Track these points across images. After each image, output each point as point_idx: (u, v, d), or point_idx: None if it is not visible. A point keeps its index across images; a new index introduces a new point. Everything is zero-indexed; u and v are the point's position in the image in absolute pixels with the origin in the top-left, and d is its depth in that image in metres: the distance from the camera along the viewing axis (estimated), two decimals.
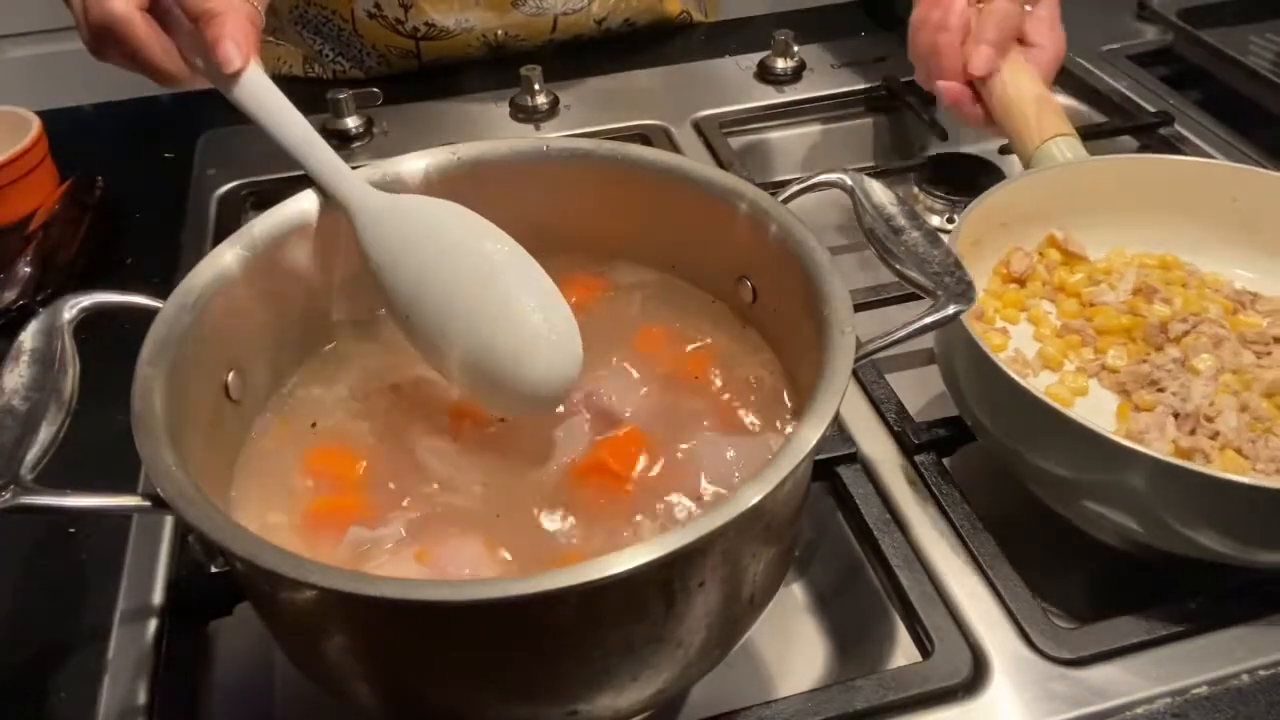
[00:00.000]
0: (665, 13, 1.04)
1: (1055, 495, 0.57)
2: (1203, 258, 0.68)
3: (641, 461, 0.50)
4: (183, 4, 0.55)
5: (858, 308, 0.48)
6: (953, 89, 0.77)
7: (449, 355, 0.50)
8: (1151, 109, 0.90)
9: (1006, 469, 0.59)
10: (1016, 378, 0.53)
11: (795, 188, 0.54)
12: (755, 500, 0.38)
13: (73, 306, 0.47)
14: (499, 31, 0.96)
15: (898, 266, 0.50)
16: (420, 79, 0.99)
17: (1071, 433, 0.51)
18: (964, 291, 0.47)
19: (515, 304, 0.49)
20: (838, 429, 0.62)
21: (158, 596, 0.55)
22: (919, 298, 0.49)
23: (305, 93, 0.94)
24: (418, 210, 0.52)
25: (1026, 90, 0.73)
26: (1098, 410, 0.60)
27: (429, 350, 0.51)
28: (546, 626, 0.40)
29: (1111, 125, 0.90)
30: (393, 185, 0.55)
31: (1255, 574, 0.55)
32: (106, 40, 0.56)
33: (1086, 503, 0.54)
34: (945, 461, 0.61)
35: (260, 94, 0.53)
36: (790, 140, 0.94)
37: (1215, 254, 0.68)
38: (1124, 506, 0.52)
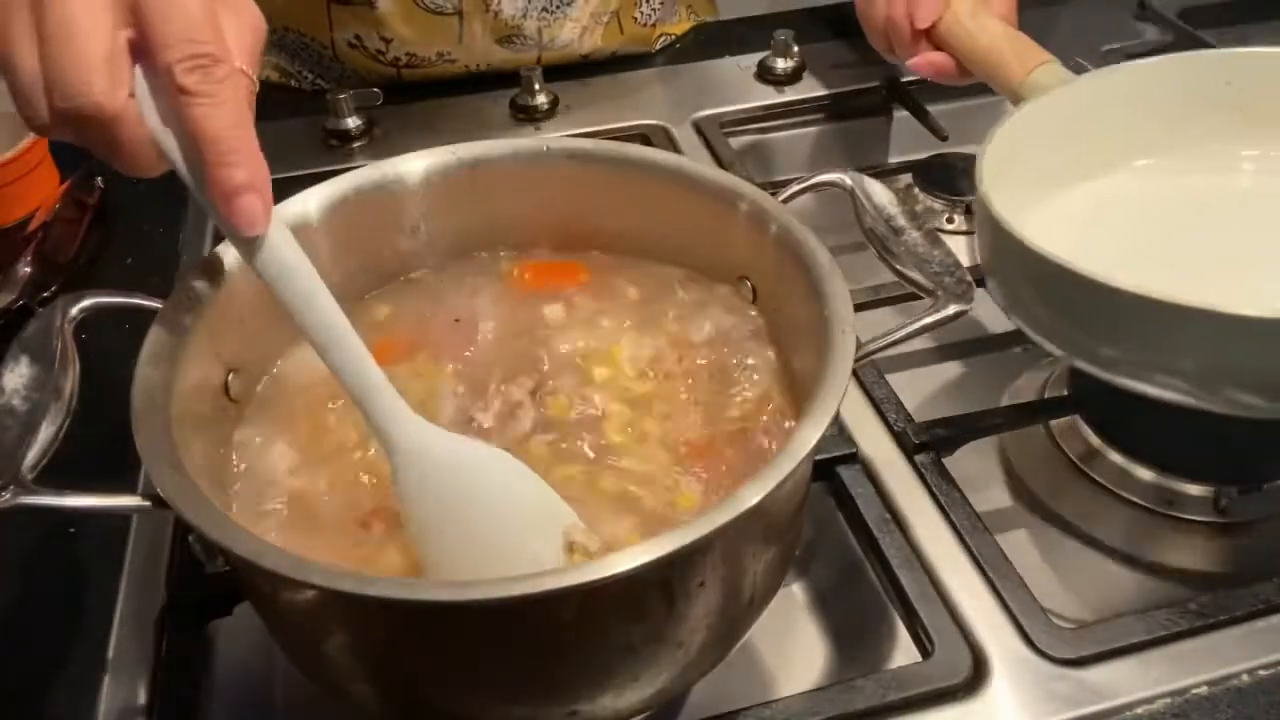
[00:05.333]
0: (649, 46, 1.03)
1: (1115, 369, 0.54)
2: (1210, 145, 0.68)
3: None
4: (174, 80, 0.40)
5: (858, 308, 0.48)
6: (925, 62, 0.78)
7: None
8: None
9: (1070, 354, 0.57)
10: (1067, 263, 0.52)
11: (795, 188, 0.54)
12: (755, 500, 0.38)
13: (73, 306, 0.47)
14: (481, 64, 0.96)
15: (898, 266, 0.50)
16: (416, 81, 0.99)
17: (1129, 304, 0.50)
18: (964, 292, 0.48)
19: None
20: (838, 429, 0.62)
21: (158, 596, 0.55)
22: (919, 298, 0.50)
23: (290, 100, 0.95)
24: (466, 468, 0.46)
25: (995, 31, 0.73)
26: None
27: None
28: (546, 626, 0.40)
29: None
30: (393, 185, 0.55)
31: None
32: (77, 130, 0.42)
33: (1145, 370, 0.53)
34: (945, 461, 0.61)
35: (282, 264, 0.44)
36: (790, 140, 0.94)
37: (1221, 137, 0.68)
38: (1183, 369, 0.51)
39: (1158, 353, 0.52)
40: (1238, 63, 0.67)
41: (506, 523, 0.46)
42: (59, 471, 0.42)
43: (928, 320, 0.47)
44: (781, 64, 0.96)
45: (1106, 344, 0.54)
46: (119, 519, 0.59)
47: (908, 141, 0.94)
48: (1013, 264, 0.57)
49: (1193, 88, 0.67)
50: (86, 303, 0.47)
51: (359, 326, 0.45)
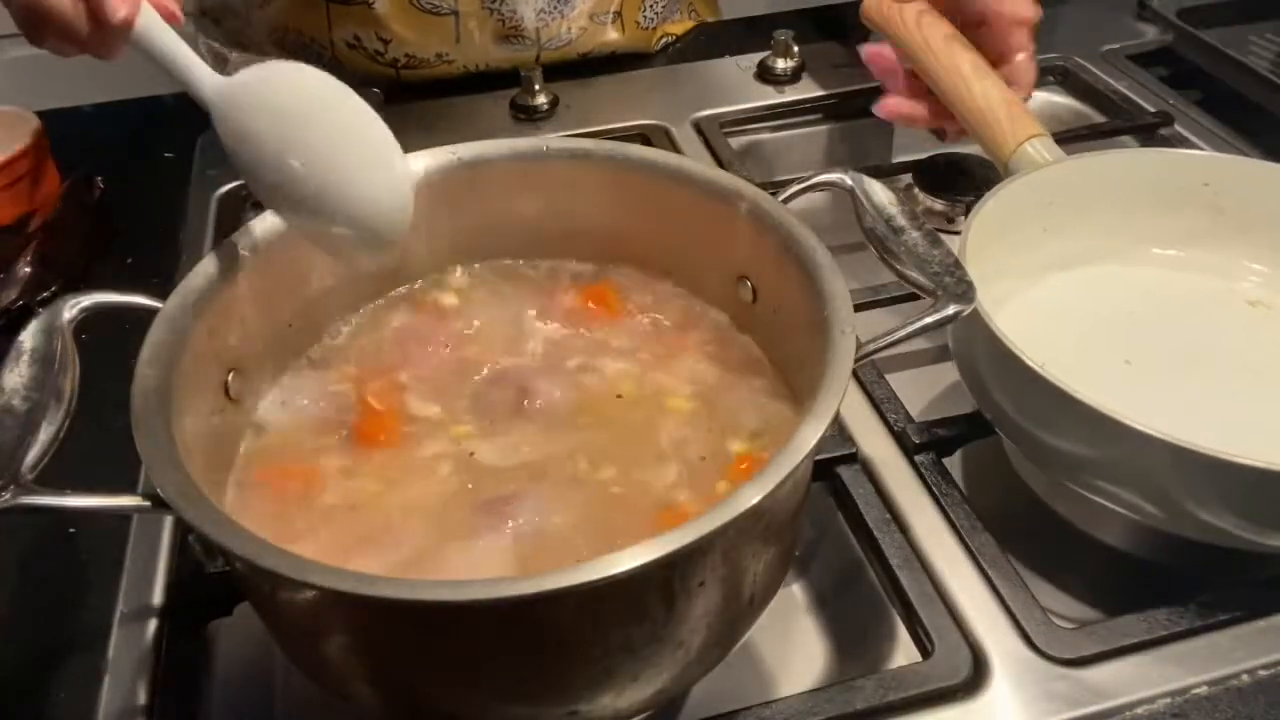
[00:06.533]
0: (648, 47, 1.03)
1: (1072, 477, 0.57)
2: (1178, 239, 0.70)
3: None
4: None
5: (858, 308, 0.48)
6: (891, 107, 0.78)
7: (311, 208, 0.50)
8: (1151, 109, 0.90)
9: (1025, 453, 0.60)
10: (1035, 365, 0.53)
11: (795, 188, 0.54)
12: (755, 500, 0.38)
13: (73, 306, 0.47)
14: (480, 64, 0.96)
15: (898, 266, 0.50)
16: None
17: (1086, 415, 0.51)
18: (964, 292, 0.48)
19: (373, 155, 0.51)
20: (838, 429, 0.62)
21: (158, 596, 0.55)
22: (919, 298, 0.49)
23: None
24: (264, 86, 0.50)
25: (993, 94, 0.73)
26: None
27: (299, 213, 0.51)
28: (546, 626, 0.40)
29: (1111, 125, 0.90)
30: None
31: (1256, 571, 0.55)
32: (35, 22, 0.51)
33: (1102, 483, 0.54)
34: (945, 461, 0.61)
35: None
36: (790, 140, 0.94)
37: (1200, 238, 0.70)
38: (1138, 488, 0.53)
39: (1110, 468, 0.54)
40: (1216, 167, 0.70)
41: (335, 132, 0.50)
42: (59, 471, 0.42)
43: (928, 320, 0.47)
44: (781, 64, 0.96)
45: (1065, 454, 0.55)
46: (119, 519, 0.59)
47: (908, 141, 0.94)
48: (981, 349, 0.58)
49: (1172, 182, 0.69)
50: (86, 303, 0.47)
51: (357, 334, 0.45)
